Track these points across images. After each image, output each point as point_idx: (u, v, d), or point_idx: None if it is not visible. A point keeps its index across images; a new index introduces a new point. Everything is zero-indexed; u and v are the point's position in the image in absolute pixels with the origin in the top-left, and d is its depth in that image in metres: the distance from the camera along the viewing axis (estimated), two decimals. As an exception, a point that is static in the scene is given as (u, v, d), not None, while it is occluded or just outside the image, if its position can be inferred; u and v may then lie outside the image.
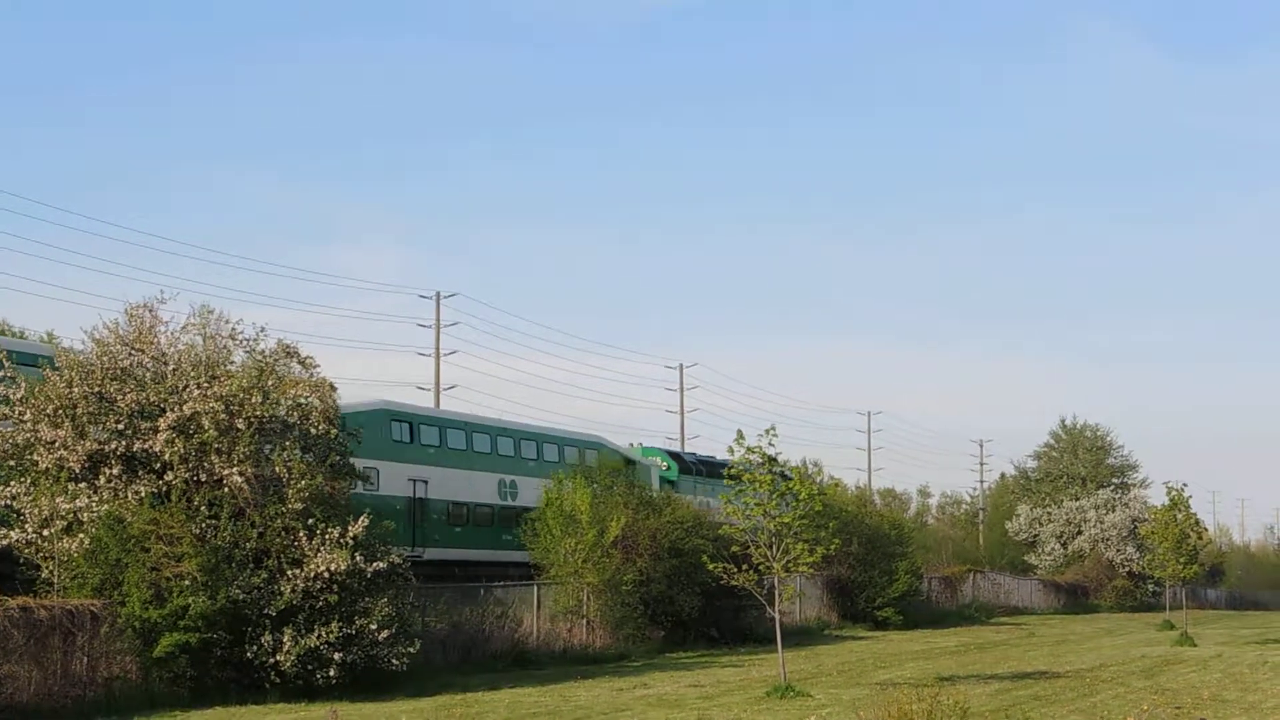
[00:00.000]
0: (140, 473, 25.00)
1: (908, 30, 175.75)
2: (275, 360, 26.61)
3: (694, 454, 60.94)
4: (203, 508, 24.34)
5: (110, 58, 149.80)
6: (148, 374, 25.94)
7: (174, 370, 25.82)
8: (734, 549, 27.63)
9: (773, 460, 25.47)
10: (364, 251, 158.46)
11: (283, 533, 24.54)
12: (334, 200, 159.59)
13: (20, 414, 25.14)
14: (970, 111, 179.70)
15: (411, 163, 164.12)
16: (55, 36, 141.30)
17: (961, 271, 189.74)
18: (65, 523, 24.02)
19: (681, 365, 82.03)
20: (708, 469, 56.02)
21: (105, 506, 24.05)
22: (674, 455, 57.43)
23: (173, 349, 26.26)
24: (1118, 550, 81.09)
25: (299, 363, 26.97)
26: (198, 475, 24.86)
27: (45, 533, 24.01)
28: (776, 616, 26.67)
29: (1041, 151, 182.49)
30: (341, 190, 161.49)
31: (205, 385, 25.18)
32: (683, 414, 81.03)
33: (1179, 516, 45.49)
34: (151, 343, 26.13)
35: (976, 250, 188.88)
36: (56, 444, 24.74)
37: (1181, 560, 45.05)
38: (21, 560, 24.28)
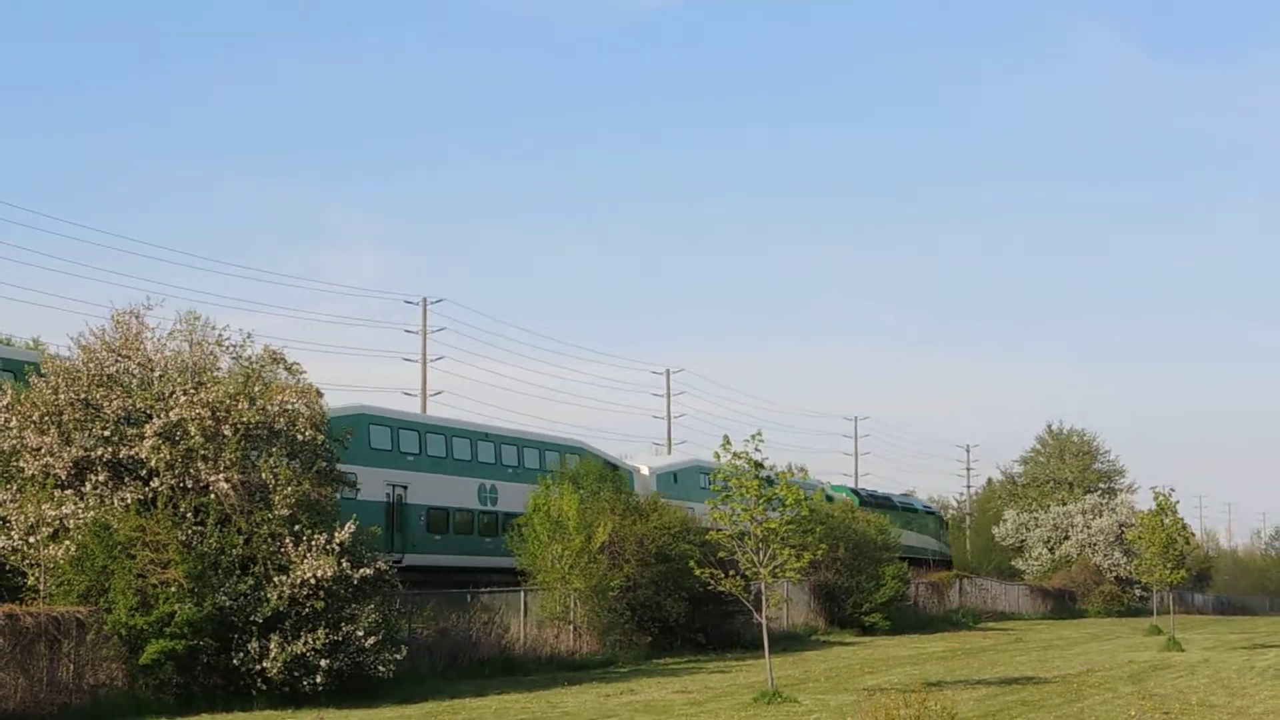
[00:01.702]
0: (126, 479, 24.97)
1: (902, 32, 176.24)
2: (262, 366, 26.61)
3: (868, 489, 77.85)
4: (189, 514, 24.32)
5: (97, 60, 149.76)
6: (134, 380, 25.92)
7: (160, 377, 25.79)
8: (721, 554, 27.63)
9: (759, 465, 25.47)
10: (350, 255, 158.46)
11: (269, 539, 24.51)
12: (320, 204, 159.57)
13: (6, 421, 25.09)
14: (958, 115, 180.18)
15: (399, 166, 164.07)
16: (42, 38, 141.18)
17: (947, 277, 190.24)
18: (51, 529, 23.98)
19: (668, 370, 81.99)
20: (876, 501, 72.62)
21: (91, 513, 24.00)
22: (855, 491, 73.32)
23: (159, 355, 26.23)
24: (1105, 555, 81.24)
25: (285, 369, 26.98)
26: (184, 482, 24.82)
27: (31, 539, 23.96)
28: (763, 622, 26.67)
29: (1031, 155, 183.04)
30: (328, 193, 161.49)
31: (192, 392, 25.16)
32: (669, 419, 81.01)
33: (1166, 521, 45.54)
34: (138, 349, 26.10)
35: (963, 255, 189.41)
36: (42, 451, 24.70)
37: (1168, 565, 45.13)
38: (7, 567, 24.23)
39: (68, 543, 23.74)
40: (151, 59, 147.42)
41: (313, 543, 24.45)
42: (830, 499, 62.90)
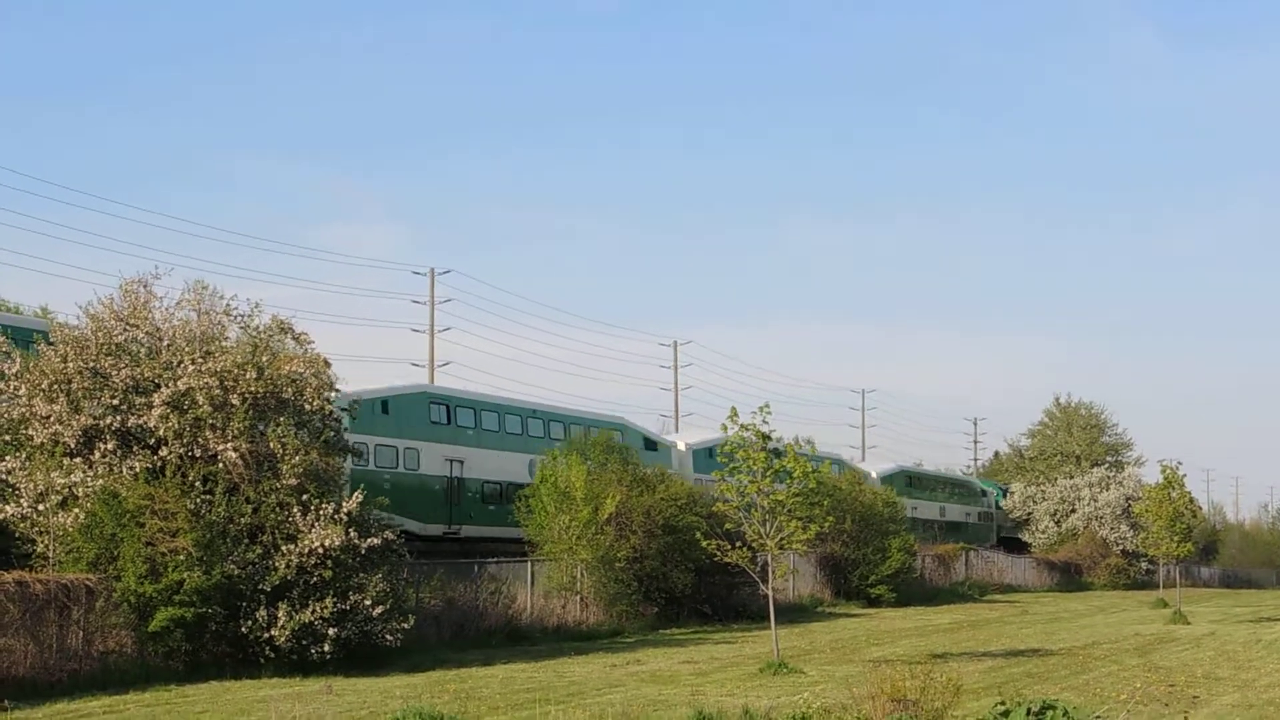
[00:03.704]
0: (135, 448, 25.00)
1: (912, 20, 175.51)
2: (269, 336, 26.59)
3: (1004, 485, 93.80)
4: (197, 483, 24.35)
5: (125, 52, 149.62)
6: (142, 349, 25.92)
7: (168, 346, 25.79)
8: (728, 526, 27.65)
9: (766, 438, 25.46)
10: (359, 228, 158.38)
11: (277, 508, 24.56)
12: (330, 178, 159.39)
13: (15, 389, 25.12)
14: (964, 95, 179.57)
15: (409, 142, 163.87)
16: (76, 31, 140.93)
17: (957, 250, 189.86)
18: (60, 497, 24.02)
19: (676, 342, 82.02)
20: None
21: (100, 481, 24.04)
22: (997, 486, 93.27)
23: (167, 324, 26.22)
24: (1111, 528, 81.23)
25: (293, 338, 26.96)
26: (192, 451, 24.85)
27: (40, 507, 24.02)
28: (770, 593, 26.71)
29: (1040, 133, 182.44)
30: (338, 168, 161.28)
31: (200, 361, 25.16)
32: (677, 391, 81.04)
33: (1173, 495, 45.57)
34: (146, 318, 26.09)
35: (973, 229, 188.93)
36: (51, 419, 24.72)
37: (1175, 538, 45.14)
38: (17, 535, 24.29)
39: (77, 510, 23.79)
40: (170, 48, 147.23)
41: (321, 512, 24.50)
42: (984, 492, 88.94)
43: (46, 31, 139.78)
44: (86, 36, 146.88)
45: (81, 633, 22.75)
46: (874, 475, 70.29)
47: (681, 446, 53.57)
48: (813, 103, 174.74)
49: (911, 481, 76.92)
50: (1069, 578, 77.11)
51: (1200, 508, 55.16)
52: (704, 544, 26.97)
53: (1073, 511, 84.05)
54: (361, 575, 24.88)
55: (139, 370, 25.34)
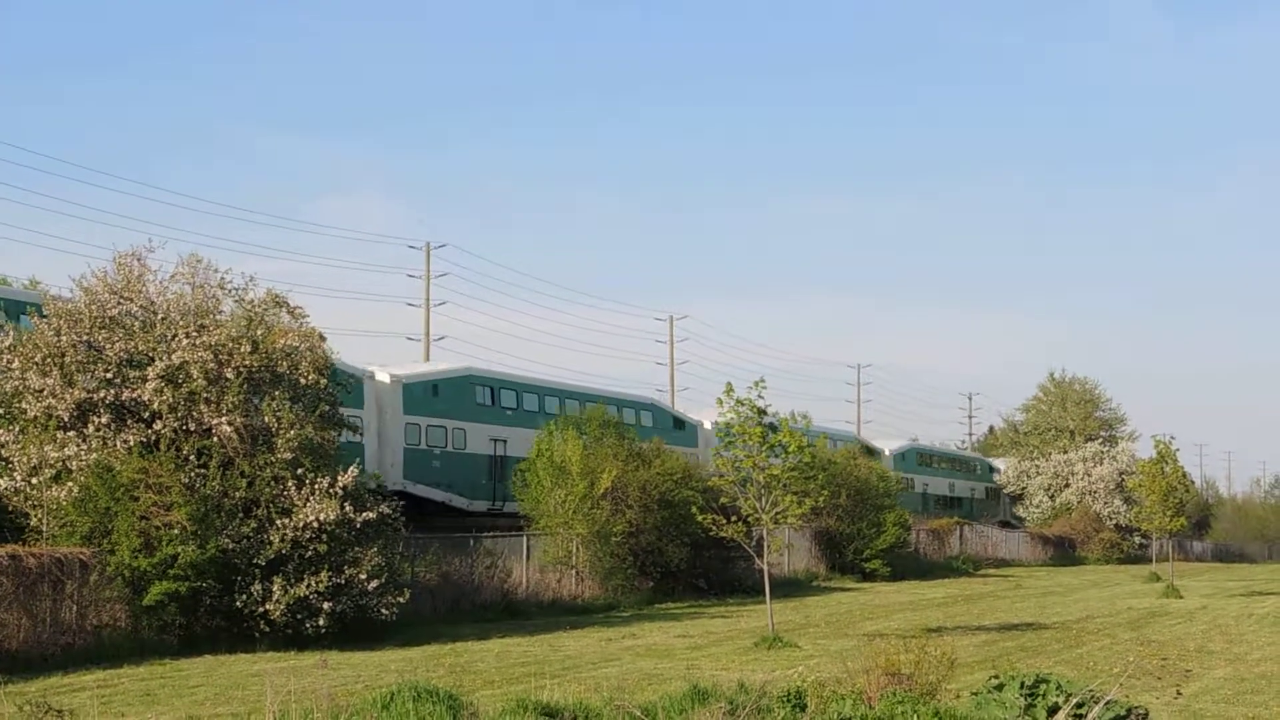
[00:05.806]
0: (129, 422, 24.94)
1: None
2: (264, 310, 26.50)
3: None
4: (192, 457, 24.30)
5: (119, 27, 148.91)
6: (136, 323, 25.83)
7: (163, 319, 25.71)
8: (723, 501, 27.64)
9: (762, 412, 25.42)
10: (356, 202, 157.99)
11: (272, 482, 24.51)
12: (327, 152, 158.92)
13: (8, 362, 25.04)
14: (963, 70, 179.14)
15: (407, 116, 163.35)
16: (72, 5, 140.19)
17: (954, 225, 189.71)
18: (54, 471, 23.98)
19: (671, 317, 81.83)
20: None
21: (94, 455, 23.98)
22: None
23: (161, 298, 26.14)
24: (1105, 503, 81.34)
25: (288, 312, 26.86)
26: (187, 424, 24.80)
27: (34, 481, 23.98)
28: (765, 568, 26.73)
29: (1039, 109, 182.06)
30: (335, 142, 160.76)
31: (194, 334, 25.08)
32: (672, 366, 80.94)
33: (1166, 469, 45.58)
34: (140, 291, 26.00)
35: (969, 205, 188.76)
36: (45, 392, 24.65)
37: (1168, 513, 45.18)
38: (10, 508, 24.24)
39: (70, 484, 23.74)
40: (166, 21, 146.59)
41: (315, 486, 24.47)
42: None
43: (44, 8, 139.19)
44: (83, 11, 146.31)
45: (75, 606, 22.74)
46: (1001, 471, 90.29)
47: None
48: (811, 78, 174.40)
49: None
50: (1063, 552, 77.25)
51: (1193, 482, 55.31)
52: (699, 518, 26.95)
53: (1066, 486, 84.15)
54: (357, 549, 24.87)
55: (133, 343, 25.26)
